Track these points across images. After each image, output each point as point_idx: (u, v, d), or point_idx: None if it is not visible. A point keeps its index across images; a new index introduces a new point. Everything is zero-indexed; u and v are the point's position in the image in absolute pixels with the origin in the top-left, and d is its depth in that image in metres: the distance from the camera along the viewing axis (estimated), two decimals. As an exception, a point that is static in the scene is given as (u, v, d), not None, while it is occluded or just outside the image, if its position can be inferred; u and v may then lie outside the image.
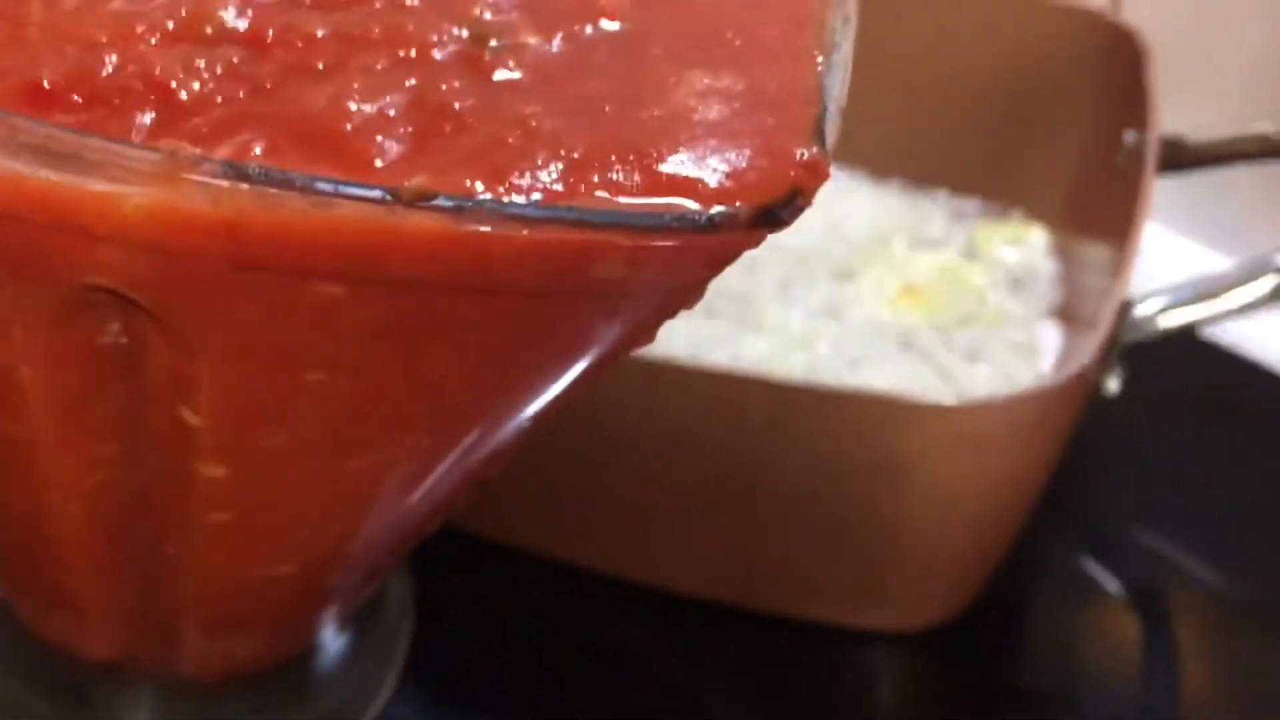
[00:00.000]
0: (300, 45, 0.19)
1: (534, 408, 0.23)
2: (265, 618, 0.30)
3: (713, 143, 0.18)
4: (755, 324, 0.52)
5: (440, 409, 0.22)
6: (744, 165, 0.18)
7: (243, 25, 0.20)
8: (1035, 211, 0.56)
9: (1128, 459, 0.51)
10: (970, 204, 0.58)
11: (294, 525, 0.25)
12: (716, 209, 0.18)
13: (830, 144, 0.19)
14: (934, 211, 0.57)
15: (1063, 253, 0.55)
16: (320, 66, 0.19)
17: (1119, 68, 0.50)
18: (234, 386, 0.20)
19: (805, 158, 0.18)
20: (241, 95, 0.18)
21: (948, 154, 0.57)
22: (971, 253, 0.55)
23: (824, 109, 0.19)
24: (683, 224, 0.17)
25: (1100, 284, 0.46)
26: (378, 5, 0.21)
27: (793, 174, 0.18)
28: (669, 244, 0.18)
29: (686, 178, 0.18)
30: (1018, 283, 0.54)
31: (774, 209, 0.18)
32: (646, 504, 0.41)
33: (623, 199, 0.18)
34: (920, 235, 0.56)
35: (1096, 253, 0.49)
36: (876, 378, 0.49)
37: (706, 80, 0.20)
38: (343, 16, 0.20)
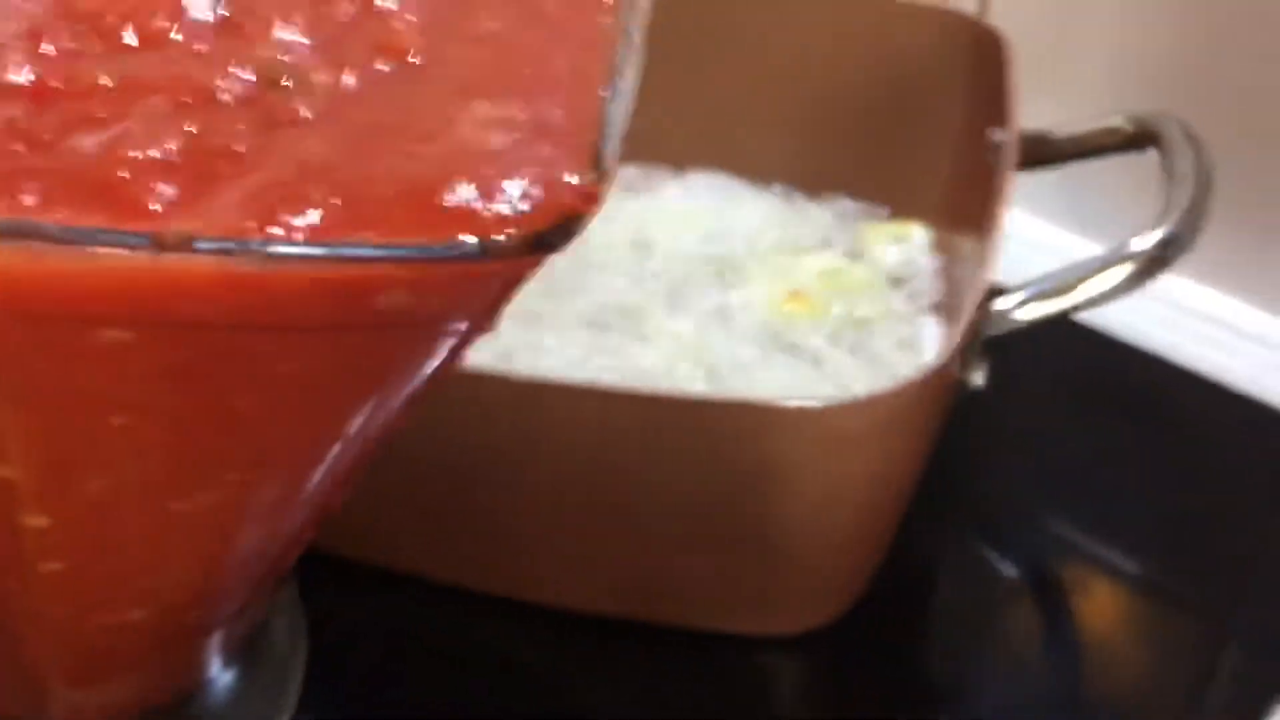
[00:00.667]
0: (84, 95, 0.19)
1: (363, 435, 0.23)
2: (130, 663, 0.30)
3: (490, 173, 0.19)
4: (644, 334, 0.52)
5: (257, 446, 0.22)
6: (518, 195, 0.18)
7: (28, 79, 0.20)
8: (916, 210, 0.57)
9: (1012, 447, 0.51)
10: (853, 206, 0.58)
11: (132, 570, 0.25)
12: (491, 238, 0.18)
13: (610, 169, 0.19)
14: (818, 215, 0.58)
15: (943, 249, 0.56)
16: (102, 116, 0.19)
17: (985, 68, 0.51)
18: (40, 433, 0.21)
19: (578, 185, 0.19)
20: (20, 150, 0.18)
21: (829, 158, 0.58)
22: (855, 253, 0.56)
23: (603, 136, 0.19)
24: (451, 254, 0.18)
25: (972, 278, 0.47)
26: (170, 51, 0.21)
27: (566, 201, 0.18)
28: (449, 273, 0.18)
29: (462, 208, 0.18)
30: (900, 281, 0.55)
31: (545, 236, 0.18)
32: (530, 523, 0.41)
33: (400, 232, 0.18)
34: (805, 239, 0.57)
35: (970, 248, 0.50)
36: (766, 382, 0.50)
37: (490, 111, 0.20)
38: (131, 64, 0.20)
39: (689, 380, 0.49)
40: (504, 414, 0.38)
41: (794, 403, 0.37)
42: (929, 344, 0.51)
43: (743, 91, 0.58)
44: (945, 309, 0.52)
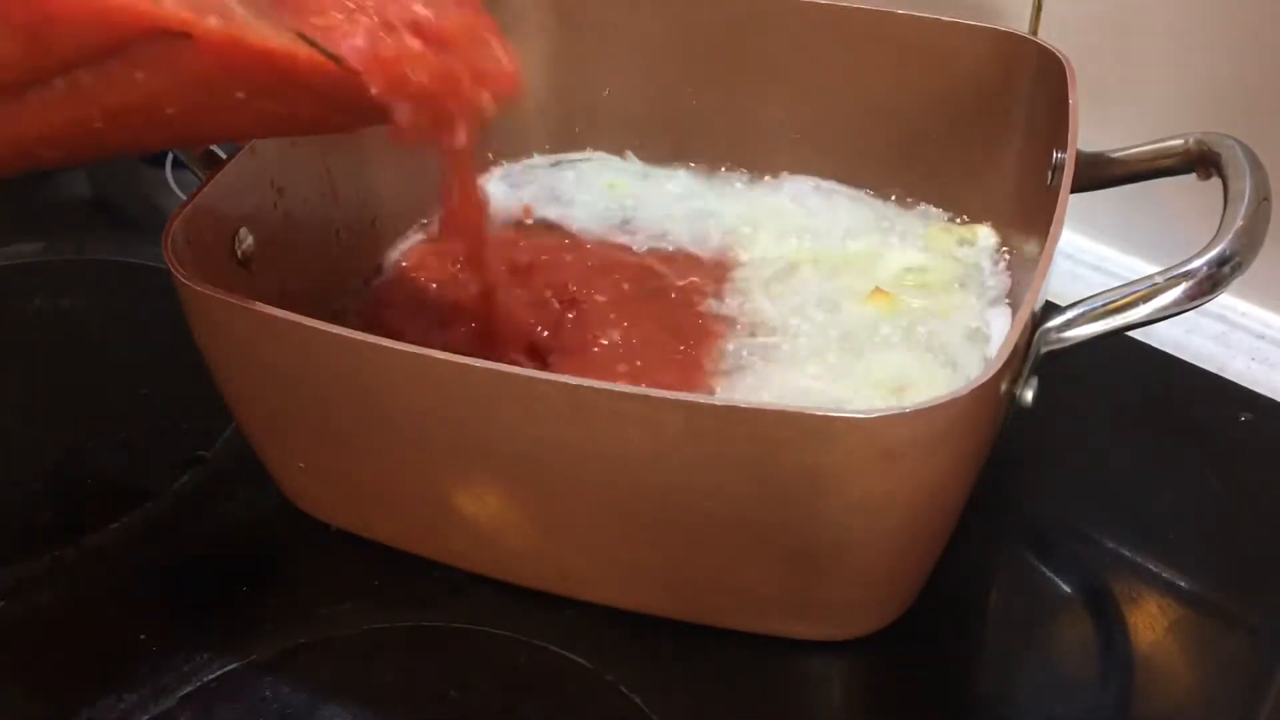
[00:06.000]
0: None
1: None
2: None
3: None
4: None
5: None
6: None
7: None
8: (984, 214, 0.57)
9: (1065, 462, 0.50)
10: (929, 210, 0.59)
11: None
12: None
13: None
14: (896, 217, 0.58)
15: (1010, 249, 0.55)
16: None
17: (1046, 89, 0.51)
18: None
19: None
20: None
21: (909, 164, 0.58)
22: (929, 252, 0.56)
23: None
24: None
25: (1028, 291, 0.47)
26: None
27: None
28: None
29: None
30: (970, 278, 0.55)
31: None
32: (583, 525, 0.41)
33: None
34: (885, 240, 0.57)
35: (1031, 258, 0.50)
36: (850, 371, 0.50)
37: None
38: None
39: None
40: (558, 418, 0.39)
41: (842, 413, 0.37)
42: (997, 334, 0.51)
43: (836, 108, 0.58)
44: (1014, 301, 0.52)
